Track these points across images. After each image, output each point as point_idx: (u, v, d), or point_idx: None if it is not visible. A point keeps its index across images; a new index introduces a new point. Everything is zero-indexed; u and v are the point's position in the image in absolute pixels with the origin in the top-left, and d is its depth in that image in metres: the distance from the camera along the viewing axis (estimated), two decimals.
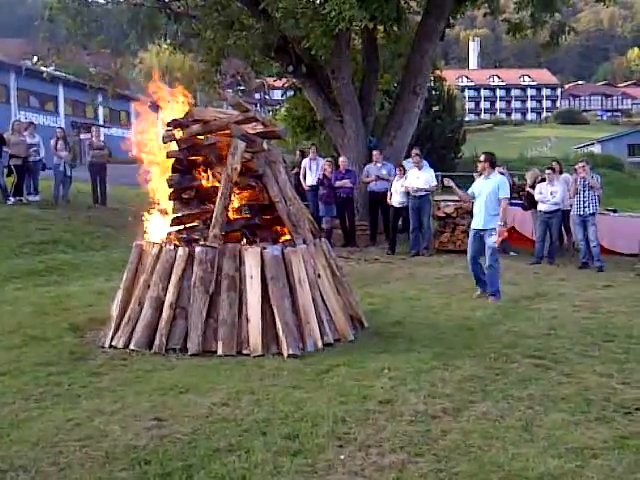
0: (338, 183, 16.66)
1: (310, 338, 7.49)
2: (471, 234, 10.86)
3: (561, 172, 15.85)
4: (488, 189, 10.46)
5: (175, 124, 8.24)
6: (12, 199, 17.73)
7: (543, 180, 15.40)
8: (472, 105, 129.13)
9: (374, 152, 17.49)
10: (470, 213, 16.43)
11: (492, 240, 10.37)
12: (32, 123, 20.14)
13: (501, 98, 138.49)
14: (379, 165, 16.99)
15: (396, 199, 16.10)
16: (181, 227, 8.17)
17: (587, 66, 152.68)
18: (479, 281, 10.82)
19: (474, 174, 17.18)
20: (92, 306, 9.58)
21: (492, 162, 10.74)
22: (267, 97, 52.43)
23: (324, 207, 16.72)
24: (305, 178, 17.83)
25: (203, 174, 8.32)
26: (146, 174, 8.46)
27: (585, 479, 4.33)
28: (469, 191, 11.15)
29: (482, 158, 10.80)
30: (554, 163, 16.13)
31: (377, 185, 16.87)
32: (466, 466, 4.48)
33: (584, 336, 8.16)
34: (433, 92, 34.33)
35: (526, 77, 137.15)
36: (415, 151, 16.21)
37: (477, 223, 10.62)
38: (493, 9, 18.36)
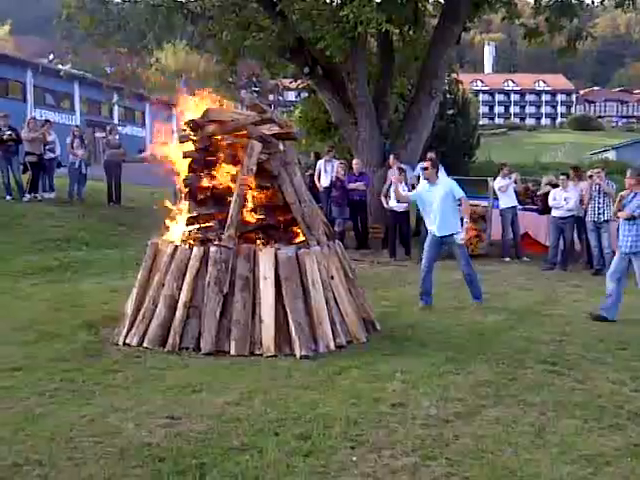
0: (352, 186, 16.65)
1: (322, 340, 7.51)
2: (430, 240, 10.41)
3: (580, 178, 15.68)
4: (440, 196, 10.15)
5: (192, 124, 8.29)
6: (28, 196, 17.86)
7: (556, 186, 15.38)
8: (486, 109, 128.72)
9: (390, 157, 17.42)
10: (482, 218, 16.52)
11: (459, 237, 10.17)
12: (48, 121, 20.27)
13: (515, 103, 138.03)
14: (394, 169, 16.98)
15: (394, 203, 15.17)
16: (196, 227, 8.20)
17: (603, 72, 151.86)
18: (426, 293, 10.41)
19: (489, 179, 17.23)
20: (106, 303, 9.64)
21: (438, 167, 10.62)
22: (281, 98, 52.46)
23: (336, 209, 16.69)
24: (320, 179, 17.86)
25: (219, 174, 8.35)
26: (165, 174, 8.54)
27: None
28: (411, 195, 11.09)
29: (427, 164, 10.55)
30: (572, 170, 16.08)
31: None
32: (478, 470, 4.49)
33: (597, 343, 8.16)
34: (448, 96, 34.27)
35: (541, 82, 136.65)
36: (430, 155, 16.23)
37: (439, 231, 10.24)
38: (510, 14, 18.31)
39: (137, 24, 17.57)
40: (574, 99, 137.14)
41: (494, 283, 12.38)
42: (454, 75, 26.87)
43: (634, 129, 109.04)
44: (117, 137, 20.55)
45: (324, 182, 17.68)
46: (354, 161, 17.29)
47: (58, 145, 19.11)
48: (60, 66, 37.73)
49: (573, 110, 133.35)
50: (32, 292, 10.64)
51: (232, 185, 8.11)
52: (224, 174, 8.33)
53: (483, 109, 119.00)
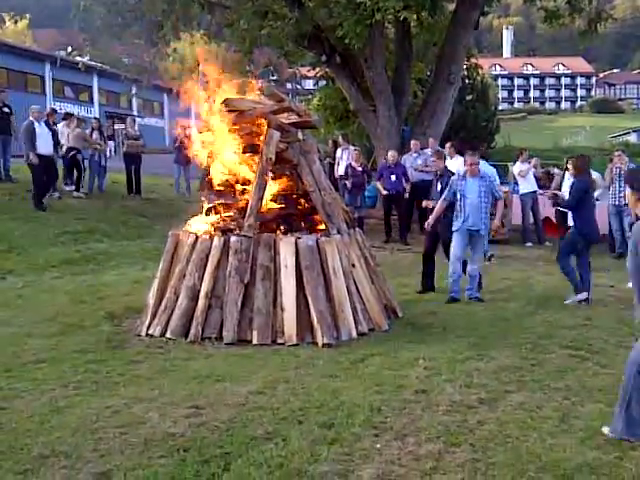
0: (376, 184, 16.65)
1: (344, 327, 7.50)
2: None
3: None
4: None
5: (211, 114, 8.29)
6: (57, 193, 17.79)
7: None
8: (505, 94, 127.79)
9: (412, 142, 17.24)
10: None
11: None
12: (71, 114, 20.23)
13: (535, 87, 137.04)
14: (415, 155, 16.78)
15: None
16: (217, 217, 8.20)
17: (622, 54, 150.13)
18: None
19: (509, 164, 17.11)
20: (128, 295, 9.69)
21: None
22: (299, 87, 52.30)
23: (348, 196, 16.28)
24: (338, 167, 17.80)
25: (238, 164, 8.35)
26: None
27: (623, 470, 4.31)
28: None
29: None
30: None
31: (415, 176, 16.72)
32: (503, 456, 4.48)
33: (621, 327, 8.09)
34: (466, 81, 34.03)
35: (560, 65, 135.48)
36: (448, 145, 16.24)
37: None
38: None
39: (154, 15, 17.56)
40: (594, 82, 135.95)
41: (516, 269, 12.32)
42: (472, 60, 26.68)
43: None
44: (137, 128, 20.59)
45: (341, 170, 17.53)
46: (390, 152, 16.76)
47: None
48: (78, 58, 37.85)
49: (593, 93, 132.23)
50: (55, 284, 10.70)
51: (251, 174, 8.11)
52: (243, 163, 8.33)
53: (502, 93, 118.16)
